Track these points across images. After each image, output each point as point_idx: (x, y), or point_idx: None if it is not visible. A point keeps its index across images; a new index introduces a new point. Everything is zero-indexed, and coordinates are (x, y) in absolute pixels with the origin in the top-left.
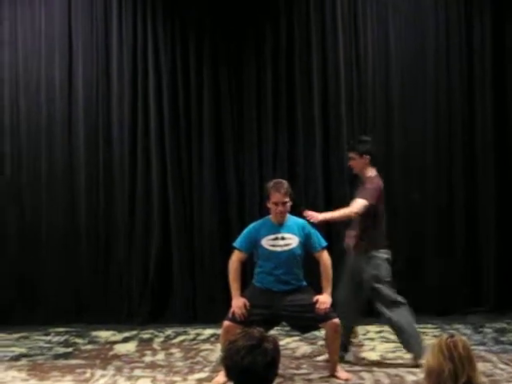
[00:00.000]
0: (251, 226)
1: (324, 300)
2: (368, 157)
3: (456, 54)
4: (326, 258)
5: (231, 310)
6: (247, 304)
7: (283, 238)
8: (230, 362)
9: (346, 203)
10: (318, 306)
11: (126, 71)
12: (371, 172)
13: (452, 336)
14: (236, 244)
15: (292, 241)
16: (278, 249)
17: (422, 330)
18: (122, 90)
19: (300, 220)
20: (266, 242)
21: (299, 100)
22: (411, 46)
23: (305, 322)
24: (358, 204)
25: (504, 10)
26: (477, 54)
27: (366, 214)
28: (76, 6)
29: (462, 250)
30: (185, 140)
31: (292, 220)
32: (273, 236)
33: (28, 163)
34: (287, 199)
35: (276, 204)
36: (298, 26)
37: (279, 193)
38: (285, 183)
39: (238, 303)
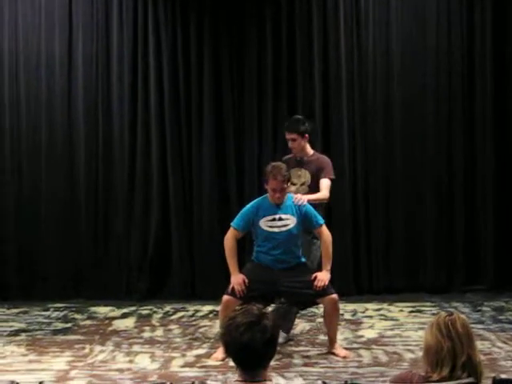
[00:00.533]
0: (249, 205)
1: (322, 277)
2: (307, 136)
3: (458, 39)
4: (326, 234)
5: (230, 285)
6: (246, 280)
7: (281, 219)
8: (229, 339)
9: None
10: (315, 283)
11: (126, 47)
12: (311, 150)
13: (451, 314)
14: (233, 223)
15: (289, 221)
16: (276, 229)
17: (420, 308)
18: (121, 66)
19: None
20: (264, 223)
21: (300, 83)
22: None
23: (303, 297)
24: (327, 185)
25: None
26: (477, 39)
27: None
28: None
29: (460, 229)
30: (185, 117)
31: (290, 200)
32: (270, 217)
33: (27, 137)
34: (285, 185)
35: (274, 190)
36: (300, 6)
37: (276, 180)
38: (282, 168)
39: (237, 280)
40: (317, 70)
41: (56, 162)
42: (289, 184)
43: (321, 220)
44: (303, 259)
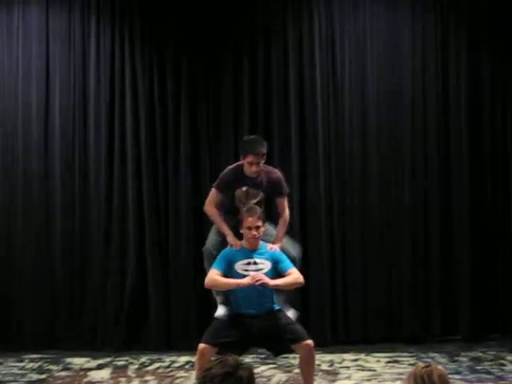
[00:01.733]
0: (224, 251)
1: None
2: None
3: (432, 75)
4: (291, 274)
5: (205, 333)
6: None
7: (255, 263)
8: None
9: None
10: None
11: (103, 94)
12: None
13: (428, 365)
14: (217, 268)
15: (264, 265)
16: (251, 273)
17: (397, 359)
18: (98, 114)
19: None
20: (240, 267)
21: (275, 128)
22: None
23: (277, 342)
24: (286, 206)
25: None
26: (452, 80)
27: None
28: (54, 31)
29: (436, 279)
30: (162, 170)
31: (263, 245)
32: (246, 261)
33: (3, 188)
34: (260, 223)
35: (250, 228)
36: (276, 55)
37: (252, 217)
38: (257, 208)
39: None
40: (293, 114)
41: (31, 210)
42: (263, 224)
43: (290, 265)
44: (276, 306)
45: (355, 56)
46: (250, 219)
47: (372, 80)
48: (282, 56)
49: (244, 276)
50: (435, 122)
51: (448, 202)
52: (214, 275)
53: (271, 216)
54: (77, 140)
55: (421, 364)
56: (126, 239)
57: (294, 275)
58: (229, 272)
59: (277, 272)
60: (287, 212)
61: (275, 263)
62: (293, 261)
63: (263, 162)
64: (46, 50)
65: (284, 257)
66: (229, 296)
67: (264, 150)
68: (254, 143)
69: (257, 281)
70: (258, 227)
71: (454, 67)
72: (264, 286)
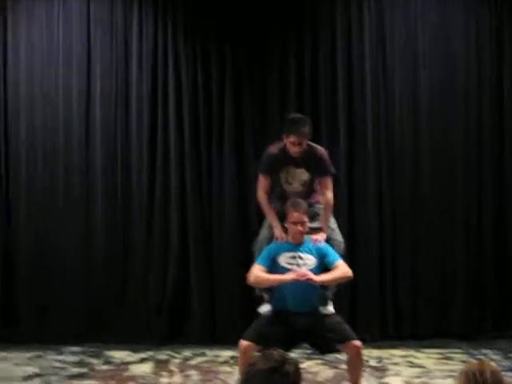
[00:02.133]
0: (272, 244)
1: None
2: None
3: (487, 69)
4: (339, 266)
5: (248, 329)
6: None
7: (301, 258)
8: None
9: None
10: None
11: (145, 81)
12: None
13: (481, 362)
14: (260, 263)
15: (309, 261)
16: (296, 267)
17: (449, 355)
18: (140, 103)
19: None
20: (284, 260)
21: (323, 122)
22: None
23: (323, 341)
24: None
25: None
26: (507, 75)
27: None
28: (95, 18)
29: (490, 273)
30: (206, 159)
31: (308, 240)
32: (290, 254)
33: (43, 177)
34: (306, 218)
35: (295, 224)
36: (324, 41)
37: (297, 212)
38: (302, 202)
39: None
40: (341, 111)
41: (73, 202)
42: (309, 219)
43: (336, 258)
44: (322, 309)
45: (405, 49)
46: (295, 214)
47: (424, 74)
48: (330, 45)
49: (288, 270)
50: (489, 118)
51: (502, 197)
52: (257, 271)
53: None
54: (119, 129)
55: (473, 361)
56: (168, 230)
57: (341, 269)
58: (273, 266)
59: (323, 267)
60: (331, 194)
61: (321, 258)
62: (339, 250)
63: (307, 141)
64: (87, 37)
65: (330, 249)
66: (273, 292)
67: (307, 129)
68: (297, 123)
69: (301, 276)
70: (303, 222)
71: (509, 60)
72: (310, 281)
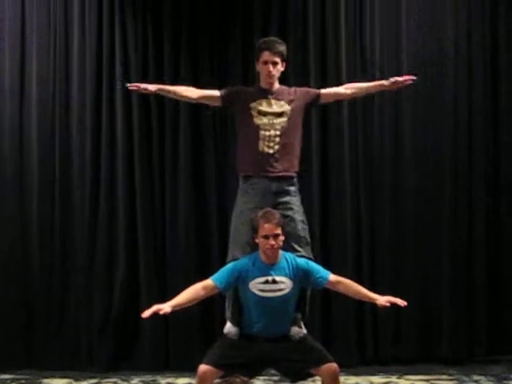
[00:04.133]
0: (238, 262)
1: (387, 299)
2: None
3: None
4: (342, 280)
5: (208, 354)
6: (168, 310)
7: (274, 282)
8: None
9: None
10: (385, 302)
11: (89, 69)
12: None
13: None
14: (213, 278)
15: (284, 285)
16: (270, 294)
17: (435, 382)
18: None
19: (291, 256)
20: (255, 286)
21: None
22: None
23: (295, 366)
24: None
25: None
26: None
27: None
28: None
29: (481, 290)
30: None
31: (284, 259)
32: (263, 279)
33: None
34: (279, 231)
35: (266, 237)
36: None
37: (270, 223)
38: (276, 212)
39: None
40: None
41: (5, 202)
42: (283, 233)
43: (326, 273)
44: (293, 332)
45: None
46: (266, 226)
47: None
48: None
49: (261, 298)
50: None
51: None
52: (197, 288)
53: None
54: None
55: None
56: (114, 236)
57: (352, 283)
58: (241, 291)
59: (300, 289)
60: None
61: (303, 278)
62: (303, 232)
63: (282, 68)
64: (22, 13)
65: (313, 264)
66: (243, 315)
67: (283, 49)
68: (272, 41)
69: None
70: (276, 235)
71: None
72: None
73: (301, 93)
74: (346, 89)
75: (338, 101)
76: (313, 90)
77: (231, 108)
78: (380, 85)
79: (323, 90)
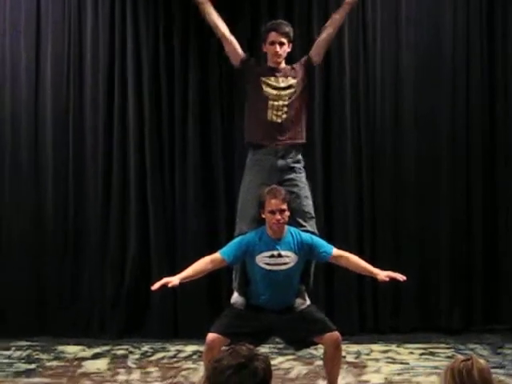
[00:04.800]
0: (244, 237)
1: (387, 273)
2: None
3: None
4: (345, 254)
5: (216, 322)
6: (177, 282)
7: (280, 256)
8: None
9: None
10: (385, 277)
11: (102, 52)
12: None
13: (468, 359)
14: (221, 252)
15: (289, 259)
16: (275, 268)
17: (433, 350)
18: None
19: (296, 231)
20: (262, 260)
21: None
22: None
23: (299, 335)
24: None
25: None
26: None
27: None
28: None
29: (478, 262)
30: (167, 136)
31: (289, 233)
32: (269, 253)
33: None
34: (285, 206)
35: (273, 212)
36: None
37: (276, 199)
38: (282, 189)
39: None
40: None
41: (21, 183)
42: (289, 208)
43: (330, 247)
44: (298, 303)
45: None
46: (273, 201)
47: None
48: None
49: (267, 271)
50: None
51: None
52: (205, 261)
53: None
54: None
55: (460, 358)
56: (126, 211)
57: (355, 257)
58: (248, 264)
59: (305, 263)
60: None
61: (307, 252)
62: (309, 208)
63: (288, 49)
64: (37, 5)
65: (317, 239)
66: (249, 286)
67: (290, 31)
68: (279, 23)
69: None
70: (282, 211)
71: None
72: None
73: (299, 65)
74: (324, 30)
75: (330, 41)
76: (303, 58)
77: (244, 74)
78: None
79: (311, 51)
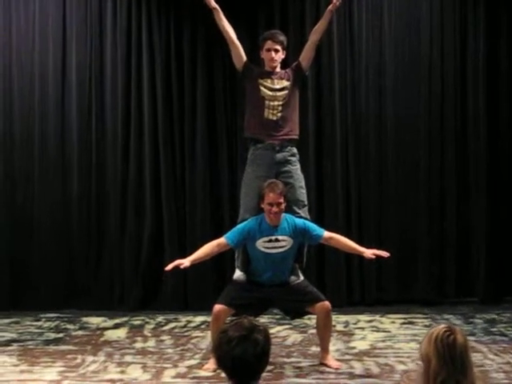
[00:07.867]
0: (246, 223)
1: (373, 251)
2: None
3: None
4: (333, 235)
5: (222, 294)
6: (187, 264)
7: (277, 240)
8: (221, 352)
9: None
10: (370, 254)
11: (120, 50)
12: None
13: (449, 329)
14: (226, 236)
15: (286, 242)
16: (273, 251)
17: (412, 320)
18: (115, 73)
19: (291, 218)
20: (261, 244)
21: None
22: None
23: (294, 304)
24: None
25: None
26: (470, 36)
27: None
28: None
29: (452, 241)
30: (178, 129)
31: (285, 220)
32: (267, 238)
33: (21, 147)
34: (282, 200)
35: (271, 205)
36: (293, 13)
37: (274, 193)
38: (279, 183)
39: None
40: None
41: (49, 171)
42: (285, 200)
43: (321, 230)
44: (292, 278)
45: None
46: (271, 195)
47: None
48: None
49: (266, 254)
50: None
51: (464, 156)
52: (212, 245)
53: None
54: (93, 101)
55: (443, 325)
56: (142, 197)
57: (343, 238)
58: (249, 247)
59: (299, 245)
60: None
61: (300, 236)
62: (303, 197)
63: (282, 55)
64: (63, 12)
65: (309, 224)
66: (250, 265)
67: (283, 39)
68: (274, 32)
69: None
70: (279, 203)
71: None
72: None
73: (291, 70)
74: (310, 37)
75: (315, 47)
76: (294, 63)
77: (245, 76)
78: None
79: (300, 56)
